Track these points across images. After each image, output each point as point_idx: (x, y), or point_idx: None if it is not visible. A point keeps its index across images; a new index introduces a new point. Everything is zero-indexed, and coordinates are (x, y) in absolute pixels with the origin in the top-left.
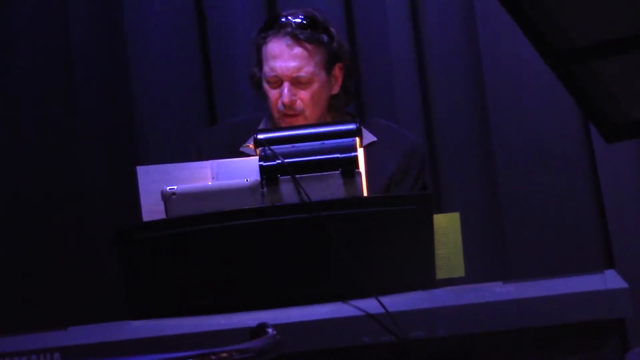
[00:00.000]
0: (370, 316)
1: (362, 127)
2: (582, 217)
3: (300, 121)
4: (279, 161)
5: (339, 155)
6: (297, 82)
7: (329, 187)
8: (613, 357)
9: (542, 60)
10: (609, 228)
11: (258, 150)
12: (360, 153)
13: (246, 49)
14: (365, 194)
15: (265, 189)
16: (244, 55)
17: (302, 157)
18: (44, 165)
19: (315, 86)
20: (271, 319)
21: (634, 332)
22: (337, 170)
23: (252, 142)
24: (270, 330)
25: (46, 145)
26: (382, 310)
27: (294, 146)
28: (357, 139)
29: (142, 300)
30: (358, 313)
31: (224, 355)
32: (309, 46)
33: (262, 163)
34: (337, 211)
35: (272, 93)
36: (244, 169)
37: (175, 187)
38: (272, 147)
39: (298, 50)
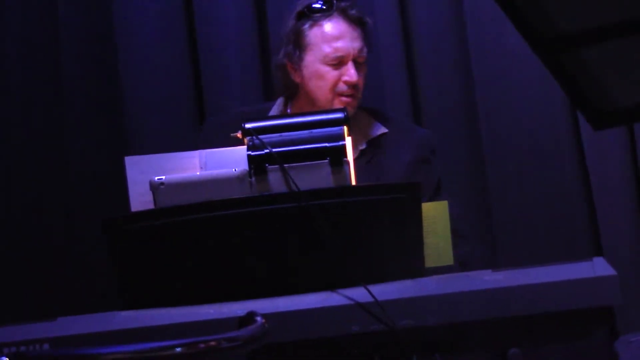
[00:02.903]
0: (359, 305)
1: (371, 119)
2: (570, 206)
3: (354, 103)
4: (267, 150)
5: (327, 144)
6: (356, 64)
7: (317, 176)
8: (602, 344)
9: (529, 49)
10: (597, 217)
11: (246, 140)
12: (349, 142)
13: (235, 44)
14: (353, 182)
15: (253, 179)
16: (233, 50)
17: (290, 146)
18: (33, 160)
19: (365, 69)
20: (260, 309)
21: (623, 320)
22: (326, 159)
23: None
24: (259, 318)
25: (35, 139)
26: (371, 299)
27: (281, 135)
28: (345, 128)
29: (132, 290)
30: (347, 302)
31: (213, 343)
32: (361, 29)
33: (250, 152)
34: (325, 200)
35: (333, 74)
36: (232, 159)
37: (163, 177)
38: (260, 137)
39: (358, 31)
